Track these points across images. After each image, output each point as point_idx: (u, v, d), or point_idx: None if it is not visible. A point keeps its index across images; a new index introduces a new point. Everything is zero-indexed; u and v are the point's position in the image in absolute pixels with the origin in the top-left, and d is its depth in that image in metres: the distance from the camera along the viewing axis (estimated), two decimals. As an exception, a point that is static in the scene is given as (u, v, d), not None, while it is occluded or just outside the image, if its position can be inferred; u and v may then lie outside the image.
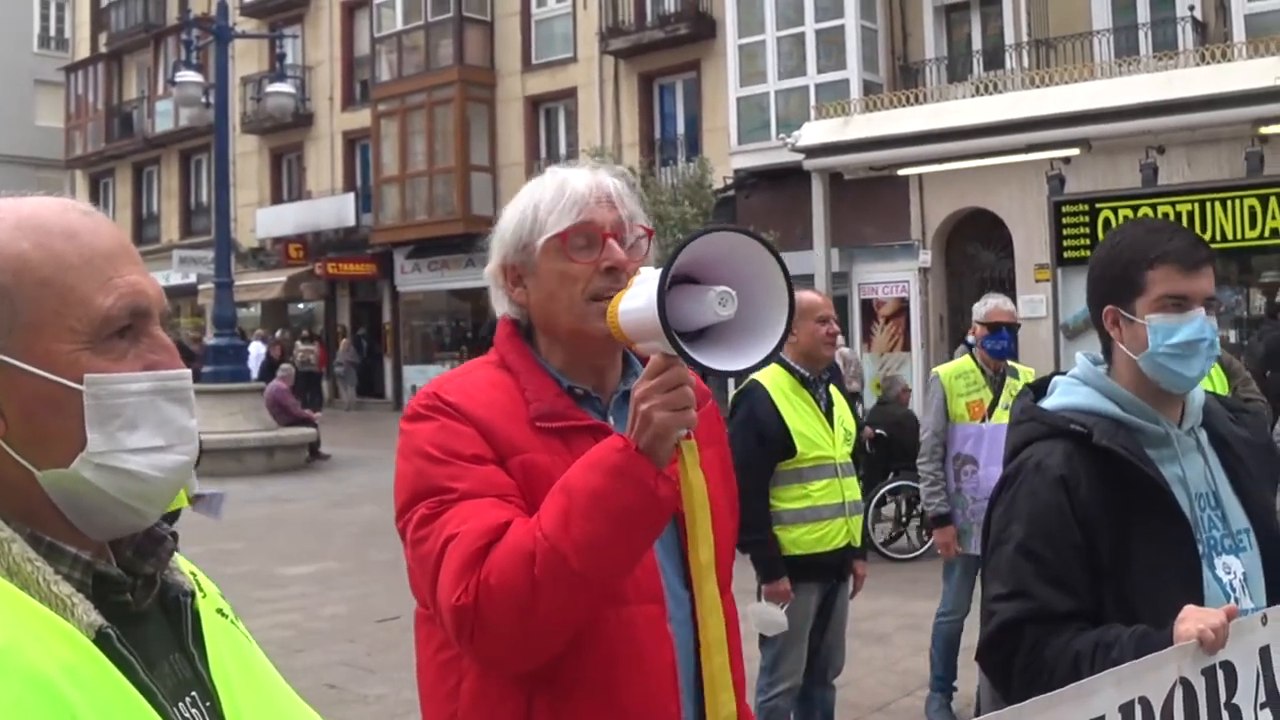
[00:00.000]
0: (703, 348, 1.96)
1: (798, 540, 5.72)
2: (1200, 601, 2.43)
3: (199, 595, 1.40)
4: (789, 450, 5.68)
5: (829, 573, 5.86)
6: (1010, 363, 7.24)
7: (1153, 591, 2.42)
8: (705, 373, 1.96)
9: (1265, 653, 2.21)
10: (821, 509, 5.72)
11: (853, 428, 6.05)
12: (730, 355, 1.96)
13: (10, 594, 1.18)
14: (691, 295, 1.95)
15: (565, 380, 2.29)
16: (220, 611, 1.44)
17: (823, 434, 5.78)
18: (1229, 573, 2.53)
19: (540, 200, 2.28)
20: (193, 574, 1.45)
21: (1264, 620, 2.23)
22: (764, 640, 5.91)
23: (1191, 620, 2.16)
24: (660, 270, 1.92)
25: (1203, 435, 2.70)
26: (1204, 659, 2.11)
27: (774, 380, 5.76)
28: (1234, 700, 2.15)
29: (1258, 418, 2.89)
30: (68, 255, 1.28)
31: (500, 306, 2.39)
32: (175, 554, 1.40)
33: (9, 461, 1.26)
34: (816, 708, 6.18)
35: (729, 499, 2.45)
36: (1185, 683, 2.08)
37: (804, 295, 5.89)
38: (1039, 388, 2.85)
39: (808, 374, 5.79)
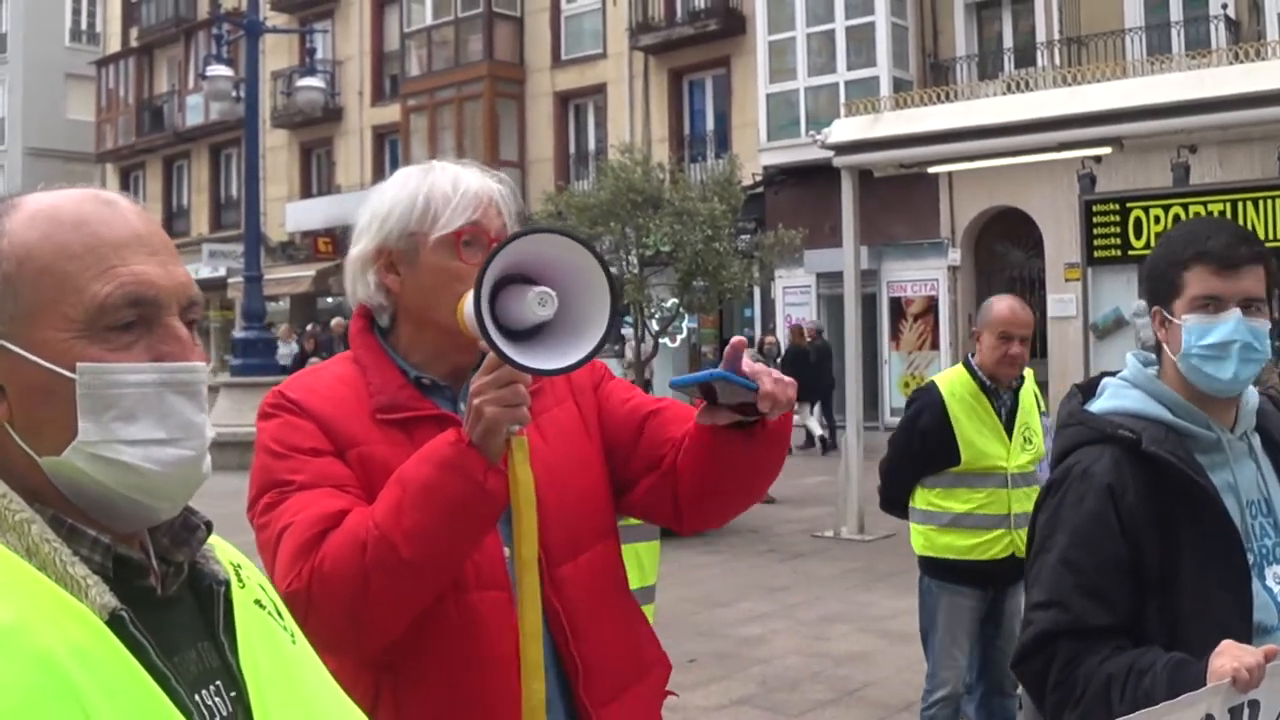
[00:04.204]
0: (534, 345, 2.03)
1: (950, 545, 5.64)
2: (1248, 613, 2.40)
3: (236, 585, 1.39)
4: (953, 457, 5.61)
5: (985, 580, 5.70)
6: None
7: (1200, 603, 2.38)
8: (523, 370, 2.00)
9: None
10: (981, 517, 5.59)
11: (1038, 436, 5.83)
12: (554, 354, 2.02)
13: (25, 573, 1.17)
14: (522, 295, 2.01)
15: (413, 371, 2.32)
16: (258, 603, 1.43)
17: (995, 443, 5.63)
18: (1279, 582, 2.47)
19: (432, 191, 2.30)
20: (236, 565, 1.44)
21: None
22: (925, 643, 5.88)
23: (1228, 657, 2.11)
24: (478, 270, 1.97)
25: (1256, 439, 2.63)
26: (1234, 697, 2.07)
27: (953, 386, 5.68)
28: None
29: None
30: (70, 244, 1.27)
31: (360, 292, 2.37)
32: (210, 543, 1.39)
33: (16, 447, 1.26)
34: (996, 718, 6.03)
35: (595, 450, 2.46)
36: (1210, 719, 2.05)
37: (995, 305, 5.75)
38: (1088, 389, 2.80)
39: (989, 383, 5.66)
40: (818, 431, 22.88)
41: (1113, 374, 2.76)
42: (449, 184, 2.31)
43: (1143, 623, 2.41)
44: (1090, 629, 2.40)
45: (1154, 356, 2.69)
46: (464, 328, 2.12)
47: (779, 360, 22.05)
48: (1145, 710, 2.00)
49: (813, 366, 21.70)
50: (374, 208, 2.35)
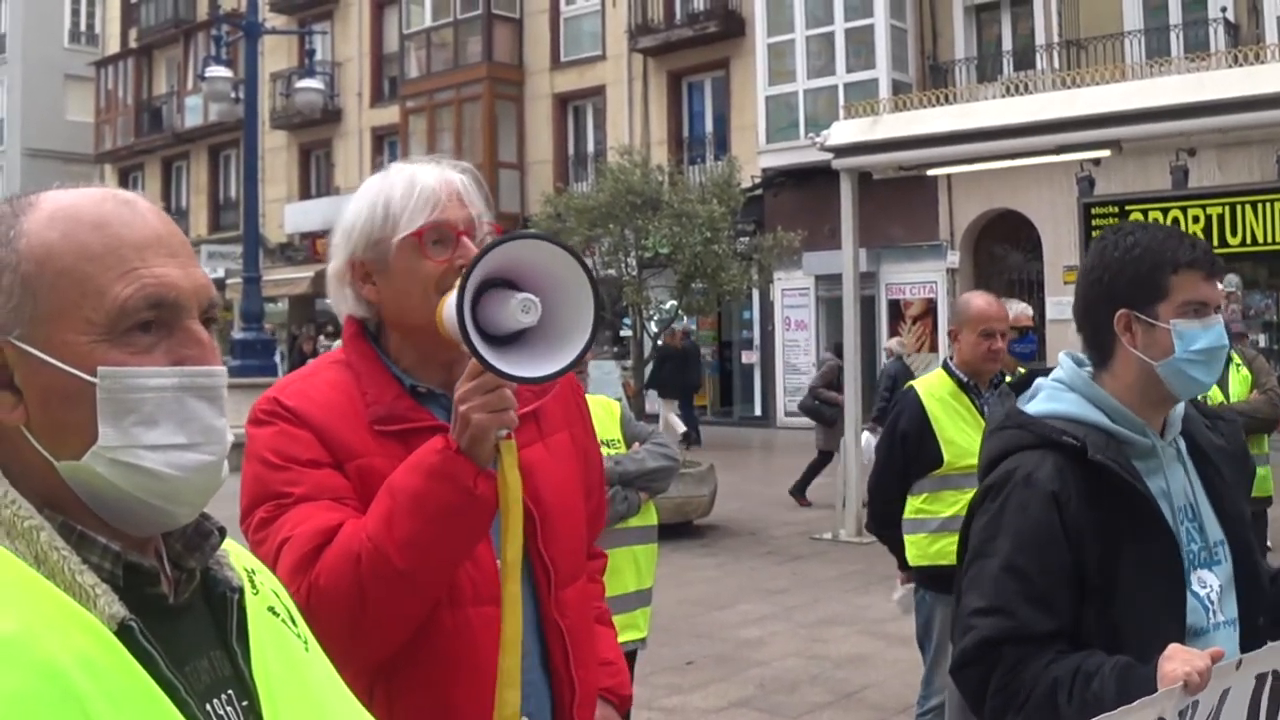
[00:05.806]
0: (515, 352, 2.01)
1: (943, 551, 5.47)
2: (1182, 618, 2.41)
3: (250, 592, 1.38)
4: (937, 459, 5.56)
5: None
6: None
7: (1137, 608, 2.39)
8: (504, 378, 1.99)
9: (1224, 695, 2.17)
10: None
11: None
12: (536, 362, 2.01)
13: (33, 581, 1.15)
14: (504, 300, 1.99)
15: (408, 380, 2.30)
16: (272, 610, 1.41)
17: (979, 441, 5.58)
18: (1205, 586, 2.49)
19: (391, 196, 2.27)
20: (250, 571, 1.42)
21: (1238, 665, 2.18)
22: (922, 651, 5.85)
23: (1178, 661, 2.10)
24: (461, 276, 1.95)
25: (1182, 445, 2.64)
26: (1183, 700, 2.06)
27: (931, 387, 5.66)
28: None
29: (1232, 425, 2.84)
30: (91, 245, 1.25)
31: (344, 306, 2.37)
32: (224, 549, 1.38)
33: (33, 450, 1.24)
34: None
35: (584, 482, 2.48)
36: None
37: (973, 301, 5.72)
38: (1020, 388, 2.79)
39: (968, 380, 5.63)
40: (680, 428, 23.74)
41: (1045, 373, 2.74)
42: (405, 185, 2.27)
43: (1082, 628, 2.41)
44: (1034, 635, 2.39)
45: (1085, 358, 2.67)
46: (444, 331, 2.10)
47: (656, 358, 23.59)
48: (1105, 715, 2.00)
49: (679, 366, 23.45)
50: (341, 222, 2.34)
